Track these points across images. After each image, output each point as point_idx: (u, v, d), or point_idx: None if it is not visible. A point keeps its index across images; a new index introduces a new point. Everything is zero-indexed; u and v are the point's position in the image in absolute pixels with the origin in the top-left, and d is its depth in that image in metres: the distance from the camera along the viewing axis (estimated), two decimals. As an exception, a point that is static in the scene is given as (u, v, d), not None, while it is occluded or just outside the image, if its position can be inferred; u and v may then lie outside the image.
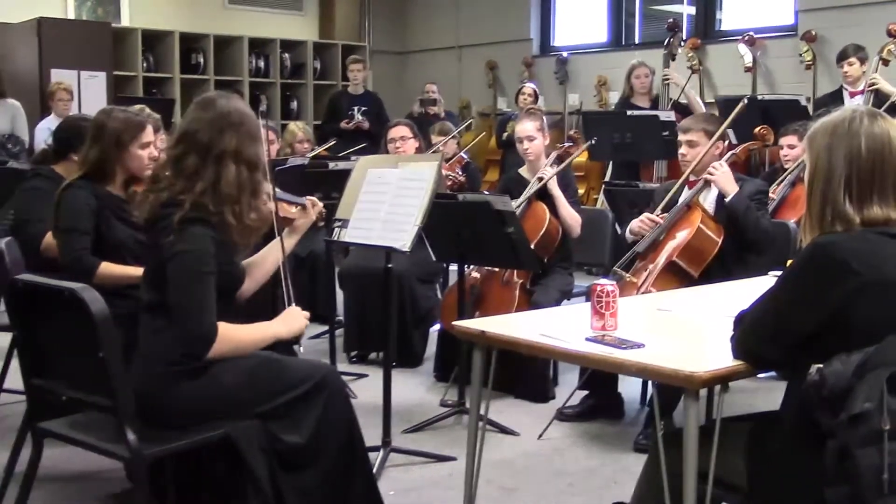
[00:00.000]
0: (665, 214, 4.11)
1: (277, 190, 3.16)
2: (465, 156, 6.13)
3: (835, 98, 6.25)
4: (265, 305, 2.96)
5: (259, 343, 2.74)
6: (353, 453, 2.75)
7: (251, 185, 2.68)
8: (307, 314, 2.89)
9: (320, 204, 3.25)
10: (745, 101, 4.50)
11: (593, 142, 5.42)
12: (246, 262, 2.95)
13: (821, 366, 1.96)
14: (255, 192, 2.70)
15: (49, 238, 3.68)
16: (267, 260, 3.02)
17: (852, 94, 6.30)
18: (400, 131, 5.34)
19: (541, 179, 4.60)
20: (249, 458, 2.56)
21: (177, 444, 2.56)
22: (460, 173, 5.56)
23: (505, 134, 8.22)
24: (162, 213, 2.60)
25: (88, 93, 7.86)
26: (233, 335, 2.62)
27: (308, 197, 3.28)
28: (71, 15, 9.11)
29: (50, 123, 7.33)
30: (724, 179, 4.02)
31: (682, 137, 4.21)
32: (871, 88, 6.05)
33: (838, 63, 6.41)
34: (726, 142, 4.34)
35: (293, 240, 3.15)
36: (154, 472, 2.73)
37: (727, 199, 4.00)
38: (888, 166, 2.08)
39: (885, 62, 6.24)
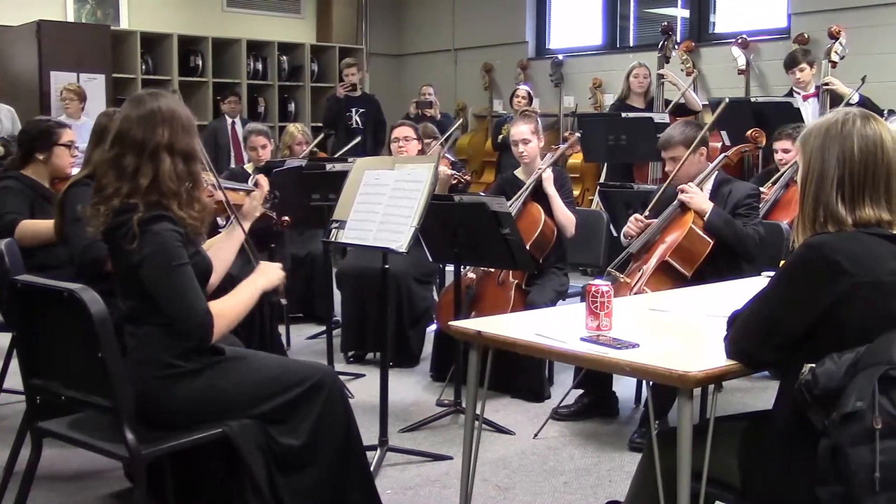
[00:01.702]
0: (654, 220, 4.14)
1: (223, 181, 3.19)
2: (449, 156, 6.15)
3: (788, 103, 6.30)
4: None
5: (250, 303, 2.77)
6: (351, 453, 2.77)
7: (189, 177, 2.67)
8: (279, 265, 2.93)
9: (265, 183, 3.27)
10: (727, 100, 4.53)
11: (580, 133, 5.48)
12: (212, 249, 2.95)
13: (813, 365, 1.98)
14: (194, 182, 2.69)
15: (22, 227, 3.75)
16: (222, 250, 3.02)
17: (805, 97, 6.38)
18: (404, 131, 5.37)
19: (537, 179, 4.62)
20: (247, 458, 2.57)
21: (175, 444, 2.57)
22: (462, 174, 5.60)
23: (500, 136, 8.25)
24: (118, 220, 2.57)
25: (88, 95, 7.88)
26: (226, 310, 2.65)
27: (254, 177, 3.31)
28: (70, 17, 9.13)
29: None
30: (698, 200, 4.04)
31: (664, 155, 4.23)
32: (827, 88, 6.12)
33: (788, 69, 6.49)
34: (720, 143, 4.36)
35: (246, 224, 3.15)
36: (153, 472, 2.74)
37: (706, 219, 4.01)
38: (880, 168, 2.10)
39: (834, 64, 6.33)
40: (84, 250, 3.38)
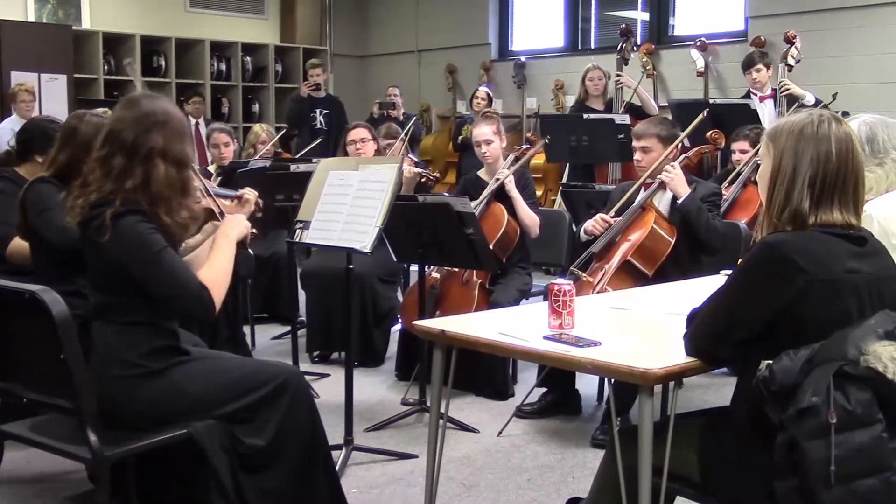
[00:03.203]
0: (618, 218, 4.19)
1: (213, 186, 3.19)
2: (413, 157, 6.17)
3: (745, 104, 6.41)
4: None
5: (231, 259, 2.76)
6: (316, 453, 2.77)
7: (181, 184, 2.66)
8: (241, 216, 2.95)
9: (255, 194, 3.27)
10: (706, 112, 4.60)
11: (547, 140, 5.49)
12: (186, 258, 2.92)
13: (770, 362, 2.01)
14: (184, 189, 2.68)
15: (15, 243, 3.67)
16: (205, 254, 2.99)
17: (762, 99, 6.49)
18: (359, 133, 5.38)
19: (498, 180, 4.66)
20: (212, 458, 2.57)
21: (139, 445, 2.56)
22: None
23: (460, 137, 8.27)
24: (93, 213, 2.58)
25: (49, 95, 7.82)
26: (215, 276, 2.65)
27: (242, 189, 3.31)
28: (31, 17, 9.00)
29: (12, 124, 7.29)
30: (677, 182, 4.11)
31: (636, 144, 4.29)
32: (784, 93, 6.24)
33: (745, 70, 6.61)
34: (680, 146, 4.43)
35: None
36: (116, 473, 2.73)
37: (679, 201, 4.08)
38: (850, 171, 2.13)
39: (790, 67, 6.45)
40: (60, 233, 3.31)
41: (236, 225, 2.88)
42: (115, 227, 2.52)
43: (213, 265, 2.71)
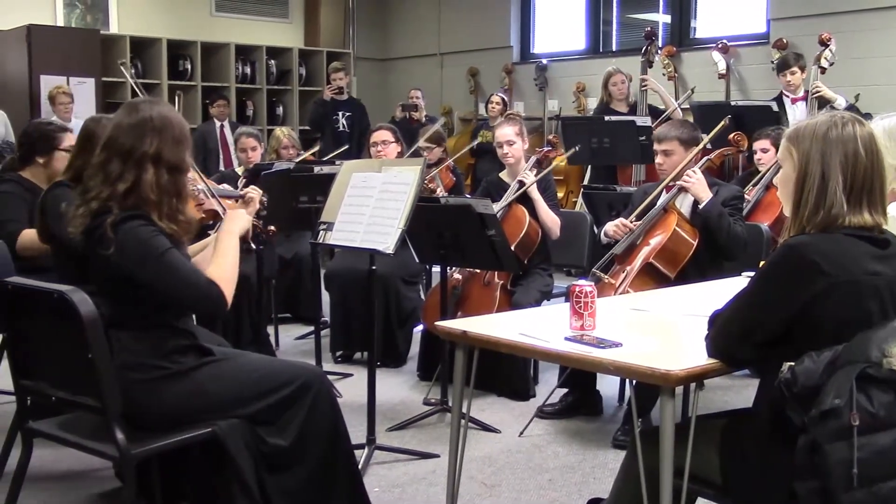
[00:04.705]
0: (638, 222, 4.19)
1: (216, 186, 3.19)
2: (451, 161, 6.21)
3: (778, 105, 6.38)
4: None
5: (236, 254, 2.78)
6: (339, 452, 2.79)
7: (174, 189, 2.65)
8: (241, 210, 2.96)
9: (259, 192, 3.28)
10: (728, 119, 4.59)
11: (577, 149, 5.48)
12: (194, 259, 2.93)
13: (792, 363, 2.01)
14: (178, 195, 2.68)
15: (24, 237, 3.73)
16: (210, 255, 3.00)
17: (794, 101, 6.45)
18: (382, 135, 5.39)
19: (521, 183, 4.67)
20: (236, 457, 2.59)
21: (164, 443, 2.58)
22: (452, 177, 5.64)
23: (476, 142, 8.28)
24: (94, 223, 2.57)
25: (77, 98, 7.90)
26: (223, 272, 2.67)
27: (247, 189, 3.33)
28: (60, 22, 9.13)
29: None
30: (699, 187, 4.09)
31: (657, 147, 4.28)
32: (816, 95, 6.20)
33: (780, 72, 6.55)
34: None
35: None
36: (142, 471, 2.76)
37: (701, 206, 4.07)
38: (877, 171, 2.12)
39: (823, 70, 6.41)
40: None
41: (237, 219, 2.91)
42: (116, 235, 2.53)
43: (220, 261, 2.73)
